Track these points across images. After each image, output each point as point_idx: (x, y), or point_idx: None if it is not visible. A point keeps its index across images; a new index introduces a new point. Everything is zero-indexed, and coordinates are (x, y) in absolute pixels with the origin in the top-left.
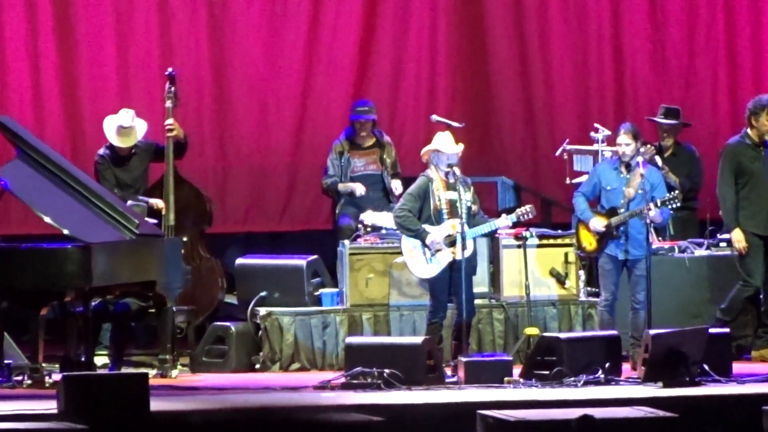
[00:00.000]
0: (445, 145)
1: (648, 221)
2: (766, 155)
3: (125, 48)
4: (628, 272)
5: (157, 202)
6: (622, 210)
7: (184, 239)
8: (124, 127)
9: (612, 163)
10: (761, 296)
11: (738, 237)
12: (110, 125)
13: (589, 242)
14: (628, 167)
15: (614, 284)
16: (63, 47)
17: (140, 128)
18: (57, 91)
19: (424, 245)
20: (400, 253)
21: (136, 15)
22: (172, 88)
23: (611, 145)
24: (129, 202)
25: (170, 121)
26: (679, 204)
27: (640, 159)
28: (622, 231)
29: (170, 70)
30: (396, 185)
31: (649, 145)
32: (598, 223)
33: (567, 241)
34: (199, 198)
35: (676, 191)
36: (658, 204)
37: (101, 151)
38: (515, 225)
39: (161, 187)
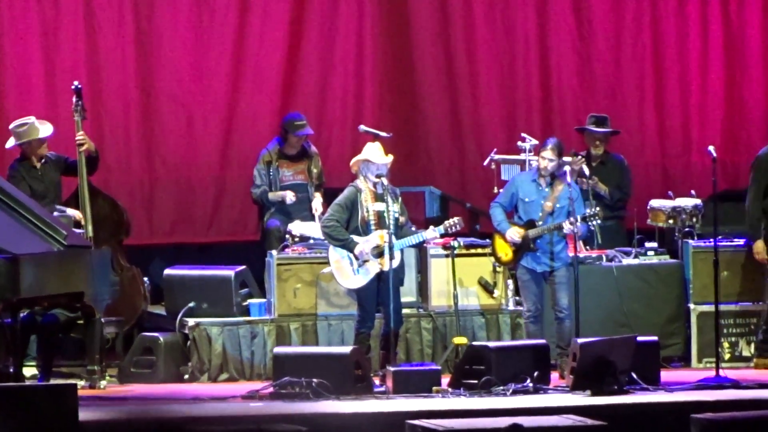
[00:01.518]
0: (375, 155)
1: (570, 234)
2: None
3: (52, 62)
4: (548, 282)
5: (76, 214)
6: (540, 223)
7: (109, 250)
8: (20, 126)
9: (531, 175)
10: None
11: (758, 249)
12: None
13: (505, 253)
14: (548, 180)
15: (535, 295)
16: None
17: (42, 126)
18: None
19: (352, 256)
20: (328, 263)
21: (63, 28)
22: (80, 102)
23: (538, 155)
24: (55, 213)
25: (80, 135)
26: (599, 221)
27: (567, 168)
28: (539, 243)
29: (76, 83)
30: (317, 204)
31: (578, 156)
32: (515, 233)
33: (492, 248)
34: (115, 209)
35: (597, 208)
36: (579, 219)
37: (13, 164)
38: (443, 236)
39: (76, 200)
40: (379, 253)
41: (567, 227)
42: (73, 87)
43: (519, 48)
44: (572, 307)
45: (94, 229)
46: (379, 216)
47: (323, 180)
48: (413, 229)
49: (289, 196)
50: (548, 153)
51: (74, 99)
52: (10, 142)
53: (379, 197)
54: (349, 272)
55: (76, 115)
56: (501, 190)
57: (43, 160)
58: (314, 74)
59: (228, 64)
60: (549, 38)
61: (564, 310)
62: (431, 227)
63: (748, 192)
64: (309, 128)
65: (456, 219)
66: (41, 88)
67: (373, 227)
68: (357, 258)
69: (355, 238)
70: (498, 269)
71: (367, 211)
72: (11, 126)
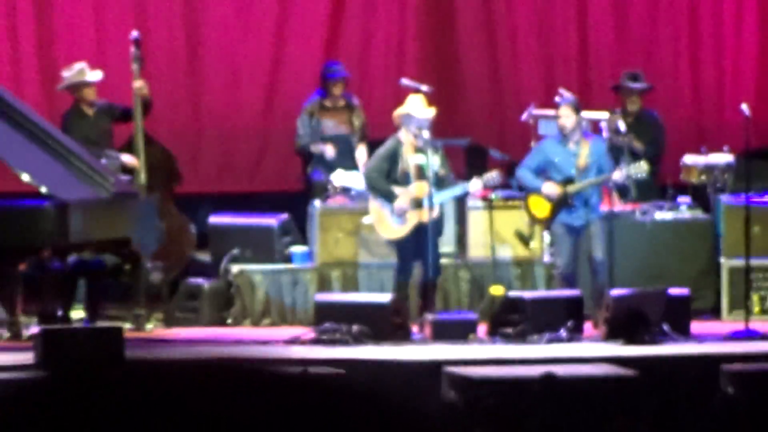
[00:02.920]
0: (417, 108)
1: (610, 186)
2: None
3: (101, 12)
4: (584, 235)
5: (129, 159)
6: (578, 180)
7: (156, 197)
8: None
9: (556, 137)
10: None
11: None
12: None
13: (541, 210)
14: (576, 140)
15: (568, 252)
16: (39, 11)
17: (90, 71)
18: (33, 53)
19: (393, 206)
20: (369, 213)
21: None
22: (138, 52)
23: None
24: (103, 160)
25: (138, 82)
26: (644, 175)
27: (603, 125)
28: (575, 198)
29: (135, 34)
30: (360, 151)
31: (615, 112)
32: (552, 188)
33: (528, 205)
34: (168, 157)
35: (641, 162)
36: (623, 171)
37: (66, 112)
38: (483, 189)
39: (130, 148)
40: (418, 204)
41: (617, 174)
42: (132, 37)
43: (557, 4)
44: (606, 259)
45: (147, 176)
46: (419, 168)
47: (366, 132)
48: (454, 180)
49: (329, 151)
50: (564, 110)
51: (132, 49)
52: (60, 86)
53: (419, 150)
54: (389, 223)
55: (135, 64)
56: (527, 156)
57: (94, 108)
58: (358, 28)
59: (272, 16)
60: None
61: (599, 264)
62: (474, 179)
63: None
64: (344, 72)
65: (495, 173)
66: (89, 38)
67: (412, 179)
68: (397, 208)
69: (396, 189)
70: (533, 223)
71: (408, 164)
72: (63, 72)
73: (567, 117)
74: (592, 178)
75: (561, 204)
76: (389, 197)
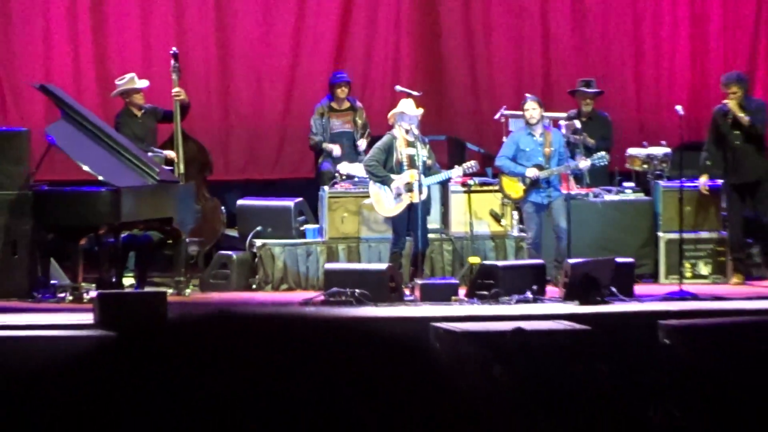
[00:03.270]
0: (408, 108)
1: (573, 172)
2: None
3: (147, 31)
4: (548, 210)
5: (170, 153)
6: (546, 165)
7: (193, 184)
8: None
9: (525, 130)
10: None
11: (701, 181)
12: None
13: (515, 191)
14: (540, 132)
15: (537, 225)
16: (96, 29)
17: (139, 80)
18: (92, 65)
19: (389, 189)
20: (369, 196)
21: (155, 4)
22: (177, 64)
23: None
24: (149, 154)
25: (176, 89)
26: (606, 162)
27: (563, 123)
28: (542, 180)
29: (174, 49)
30: (362, 143)
31: (572, 118)
32: (534, 172)
33: (502, 187)
34: (202, 151)
35: (603, 152)
36: (588, 160)
37: (118, 113)
38: (462, 176)
39: (171, 144)
40: (410, 188)
41: (583, 164)
42: (171, 52)
43: (526, 24)
44: (568, 228)
45: (185, 167)
46: (411, 158)
47: (368, 129)
48: (440, 169)
49: (336, 150)
50: (531, 104)
51: (172, 61)
52: (114, 93)
53: (410, 143)
54: (386, 203)
55: (174, 74)
56: (503, 147)
57: (142, 111)
58: (360, 42)
59: (290, 33)
60: (550, 16)
61: (562, 231)
62: (456, 166)
63: (707, 139)
64: (345, 75)
65: (473, 162)
66: (138, 51)
67: (405, 167)
68: (393, 192)
69: (392, 176)
70: (506, 204)
71: (401, 155)
72: (116, 80)
73: (533, 110)
74: (558, 165)
75: (532, 186)
76: (386, 182)
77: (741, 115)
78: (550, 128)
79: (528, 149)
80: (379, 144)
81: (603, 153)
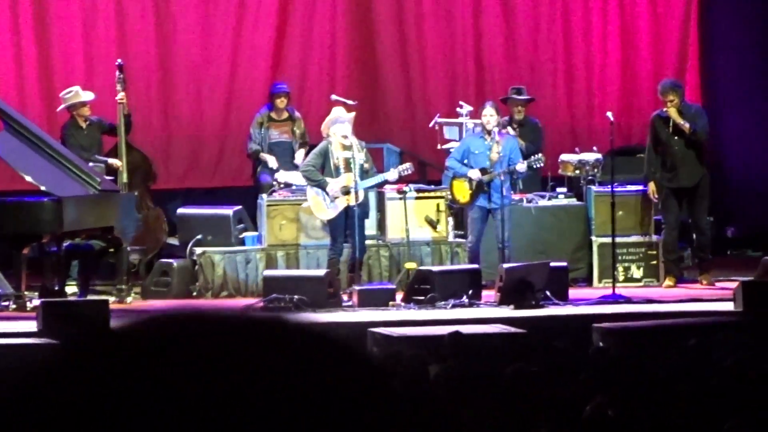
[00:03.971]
0: (339, 113)
1: (515, 177)
2: None
3: (89, 41)
4: (494, 218)
5: (115, 162)
6: (491, 170)
7: (135, 193)
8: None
9: (477, 134)
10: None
11: (651, 189)
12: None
13: (463, 195)
14: (490, 135)
15: (479, 230)
16: (40, 39)
17: (84, 93)
18: (35, 75)
19: (325, 193)
20: (306, 200)
21: (99, 14)
22: (122, 75)
23: (473, 118)
24: (90, 164)
25: (121, 94)
26: (542, 164)
27: (496, 129)
28: (492, 185)
29: (119, 60)
30: (299, 154)
31: (502, 119)
32: (476, 173)
33: (439, 194)
34: (145, 160)
35: (540, 154)
36: (525, 163)
37: (64, 124)
38: (398, 180)
39: (115, 153)
40: (346, 191)
41: (521, 167)
42: (117, 63)
43: (458, 33)
44: (508, 236)
45: (128, 176)
46: (347, 162)
47: (306, 139)
48: (377, 173)
49: (271, 162)
50: (489, 110)
51: (117, 72)
52: (60, 107)
53: (346, 147)
54: (323, 206)
55: (119, 85)
56: (453, 149)
57: (87, 122)
58: (297, 53)
59: (229, 43)
60: (481, 25)
61: (507, 242)
62: (391, 169)
63: (647, 145)
64: (284, 86)
65: (408, 164)
66: (82, 63)
67: (342, 170)
68: (329, 195)
69: (328, 179)
70: (440, 209)
71: (337, 159)
72: (61, 94)
73: (490, 116)
74: (503, 169)
75: (479, 190)
76: (322, 185)
77: (681, 122)
78: (504, 135)
79: (477, 152)
80: (315, 150)
81: (539, 155)
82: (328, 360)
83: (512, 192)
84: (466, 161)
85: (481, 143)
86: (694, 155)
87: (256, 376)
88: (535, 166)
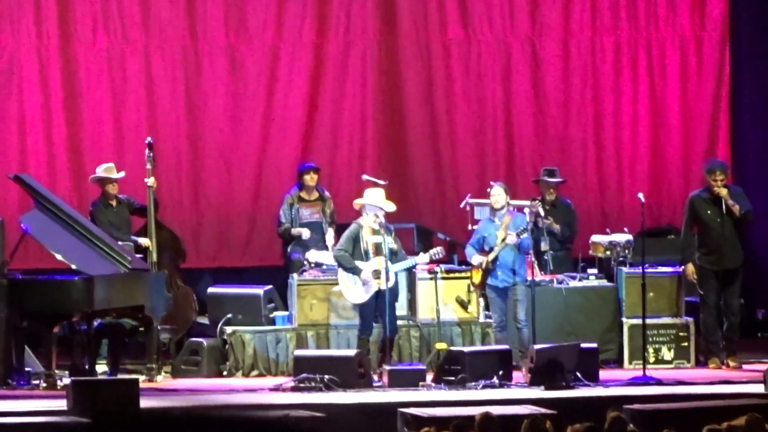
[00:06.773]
0: (374, 198)
1: (518, 250)
2: None
3: (119, 121)
4: (510, 297)
5: (144, 241)
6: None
7: (165, 272)
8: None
9: (489, 216)
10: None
11: (688, 271)
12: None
13: (476, 278)
14: (500, 216)
15: (500, 308)
16: (70, 119)
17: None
18: (65, 155)
19: (357, 278)
20: (337, 283)
21: (128, 93)
22: (151, 154)
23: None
24: (120, 243)
25: (151, 179)
26: (527, 233)
27: (527, 210)
28: (498, 264)
29: (149, 139)
30: (329, 238)
31: (536, 200)
32: (477, 259)
33: (468, 275)
34: (175, 239)
35: (528, 223)
36: (515, 235)
37: (94, 201)
38: (429, 262)
39: (145, 232)
40: (377, 275)
41: (510, 239)
42: (146, 141)
43: (488, 113)
44: (529, 318)
45: (158, 254)
46: (377, 246)
47: (335, 219)
48: (406, 255)
49: (305, 233)
50: (497, 189)
51: (147, 151)
52: (91, 177)
53: (375, 231)
54: (354, 290)
55: (148, 164)
56: (472, 235)
57: (116, 201)
58: (327, 132)
59: (258, 124)
60: (512, 106)
61: (522, 322)
62: (421, 253)
63: (683, 226)
64: (312, 163)
65: (439, 248)
66: (111, 142)
67: (371, 255)
68: (360, 279)
69: (359, 263)
70: (471, 290)
71: (367, 243)
72: (97, 168)
73: (498, 195)
74: (519, 250)
75: (487, 272)
76: (355, 271)
77: (731, 202)
78: (513, 213)
79: (487, 235)
80: (346, 233)
81: (527, 224)
82: None
83: (543, 272)
84: (482, 245)
85: (491, 225)
86: (737, 237)
87: None
88: (522, 237)
